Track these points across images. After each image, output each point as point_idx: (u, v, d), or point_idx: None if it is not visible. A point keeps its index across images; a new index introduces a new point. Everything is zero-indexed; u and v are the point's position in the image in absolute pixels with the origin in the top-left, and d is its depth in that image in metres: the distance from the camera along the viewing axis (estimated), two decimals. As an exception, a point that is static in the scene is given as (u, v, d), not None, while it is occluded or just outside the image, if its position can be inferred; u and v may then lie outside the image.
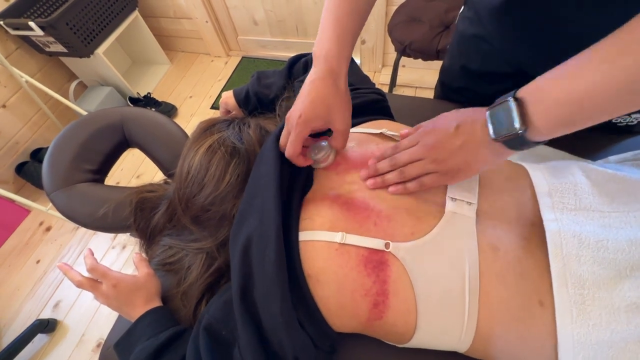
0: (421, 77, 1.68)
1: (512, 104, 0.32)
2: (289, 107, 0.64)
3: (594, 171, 0.39)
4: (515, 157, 0.43)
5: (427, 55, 1.10)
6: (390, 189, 0.41)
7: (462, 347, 0.37)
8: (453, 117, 0.38)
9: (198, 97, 1.87)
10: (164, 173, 0.72)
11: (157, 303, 0.53)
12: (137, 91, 1.83)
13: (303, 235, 0.40)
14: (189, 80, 1.97)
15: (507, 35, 0.53)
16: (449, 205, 0.39)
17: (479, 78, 0.64)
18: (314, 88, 0.43)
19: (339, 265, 0.37)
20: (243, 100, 0.68)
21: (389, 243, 0.37)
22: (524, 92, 0.32)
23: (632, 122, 0.57)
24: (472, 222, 0.37)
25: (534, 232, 0.37)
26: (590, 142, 0.60)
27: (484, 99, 0.41)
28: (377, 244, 0.37)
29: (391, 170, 0.41)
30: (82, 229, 1.46)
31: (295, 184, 0.45)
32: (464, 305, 0.34)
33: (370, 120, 0.54)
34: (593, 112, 0.29)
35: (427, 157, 0.38)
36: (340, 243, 0.38)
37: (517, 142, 0.33)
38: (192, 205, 0.50)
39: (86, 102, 1.70)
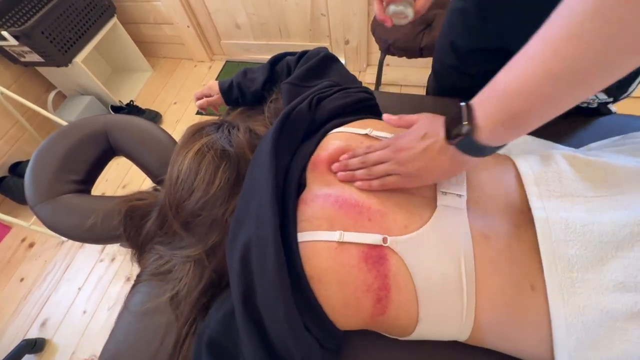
0: (405, 75, 1.70)
1: (463, 107, 0.33)
2: (277, 109, 0.65)
3: (576, 159, 0.41)
4: (501, 150, 0.45)
5: (410, 53, 1.11)
6: (357, 183, 0.43)
7: (462, 335, 0.38)
8: (424, 124, 0.39)
9: (183, 102, 1.85)
10: (153, 180, 0.71)
11: None
12: (119, 99, 1.79)
13: (302, 237, 0.40)
14: (173, 86, 1.95)
15: (486, 8, 0.55)
16: (441, 199, 0.40)
17: (467, 56, 0.65)
18: None
19: (341, 264, 0.37)
20: (226, 89, 0.72)
21: (386, 238, 0.37)
22: (476, 97, 0.33)
23: (591, 104, 0.60)
24: (464, 213, 0.38)
25: (523, 219, 0.38)
26: (567, 126, 0.63)
27: (473, 81, 0.42)
28: (374, 239, 0.37)
29: (361, 168, 0.43)
30: (68, 243, 1.41)
31: (289, 186, 0.45)
32: (462, 293, 0.35)
33: (358, 119, 0.54)
34: (533, 101, 0.29)
35: (393, 159, 0.40)
36: (339, 242, 0.38)
37: (468, 144, 0.34)
38: (182, 211, 0.49)
39: (66, 112, 1.66)
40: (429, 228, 0.37)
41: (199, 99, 0.78)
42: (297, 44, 1.80)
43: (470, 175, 0.42)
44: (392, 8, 0.53)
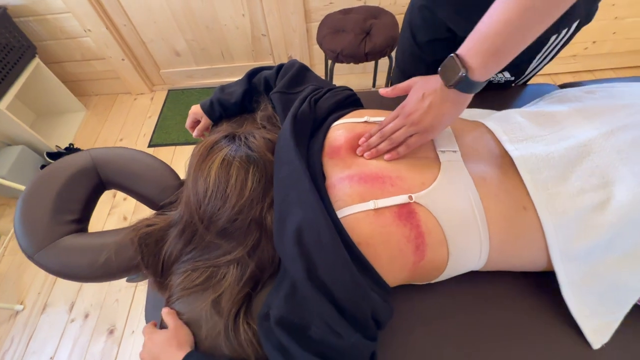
0: (347, 81, 1.86)
1: (454, 58, 0.43)
2: (268, 116, 0.71)
3: (525, 112, 0.55)
4: (469, 118, 0.57)
5: (357, 58, 1.25)
6: (386, 156, 0.51)
7: (481, 261, 0.47)
8: (419, 87, 0.49)
9: (130, 138, 1.76)
10: (153, 207, 0.70)
11: (188, 349, 0.50)
12: (55, 144, 1.63)
13: (341, 213, 0.46)
14: (113, 123, 1.84)
15: (433, 3, 0.65)
16: (442, 157, 0.50)
17: (426, 46, 0.76)
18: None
19: (381, 225, 0.44)
20: (208, 108, 0.75)
21: (411, 196, 0.45)
22: (460, 48, 0.44)
23: (500, 80, 0.77)
24: (462, 164, 0.49)
25: (504, 161, 0.50)
26: (502, 98, 0.80)
27: (429, 69, 0.52)
28: (402, 199, 0.45)
29: (381, 142, 0.51)
30: (24, 312, 1.24)
31: (316, 176, 0.51)
32: (476, 223, 0.45)
33: (351, 111, 0.63)
34: (507, 38, 0.39)
35: (406, 123, 0.49)
36: (374, 209, 0.45)
37: (465, 84, 0.43)
38: (217, 220, 0.51)
39: (-7, 167, 1.46)
40: (440, 180, 0.47)
41: (192, 129, 0.80)
42: (242, 65, 1.85)
43: (458, 137, 0.53)
44: None
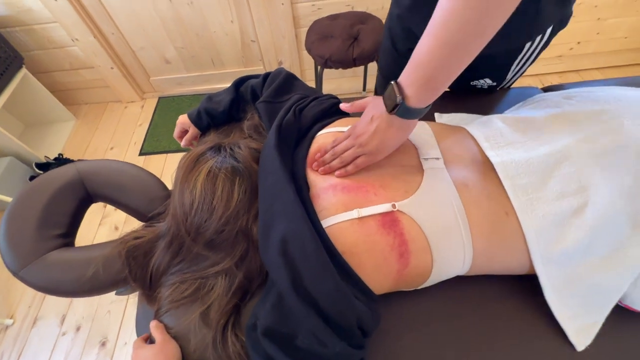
0: (339, 85, 1.87)
1: (393, 85, 0.45)
2: (254, 125, 0.71)
3: (507, 118, 0.56)
4: (451, 122, 0.58)
5: (345, 64, 1.26)
6: (336, 173, 0.52)
7: (465, 267, 0.48)
8: (370, 108, 0.50)
9: (120, 146, 1.75)
10: (141, 219, 0.70)
11: None
12: (44, 155, 1.62)
13: (326, 223, 0.46)
14: (104, 132, 1.83)
15: (409, 11, 0.67)
16: (425, 164, 0.50)
17: (407, 54, 0.78)
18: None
19: (365, 234, 0.45)
20: (195, 118, 0.75)
21: (394, 204, 0.46)
22: (400, 76, 0.45)
23: (483, 86, 0.80)
24: (445, 171, 0.50)
25: (486, 166, 0.51)
26: (488, 102, 0.82)
27: None
28: (386, 207, 0.46)
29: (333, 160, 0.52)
30: (14, 326, 1.22)
31: (300, 186, 0.51)
32: (459, 229, 0.46)
33: (336, 119, 0.64)
34: (434, 68, 0.41)
35: (355, 144, 0.50)
36: (358, 218, 0.45)
37: (403, 111, 0.44)
38: (205, 231, 0.51)
39: (-20, 180, 1.44)
40: (423, 188, 0.48)
41: (180, 139, 0.80)
42: (232, 71, 1.85)
43: (440, 143, 0.54)
44: None
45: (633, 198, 0.45)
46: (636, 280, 0.46)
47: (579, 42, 1.73)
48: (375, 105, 0.49)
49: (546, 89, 0.87)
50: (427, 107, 0.45)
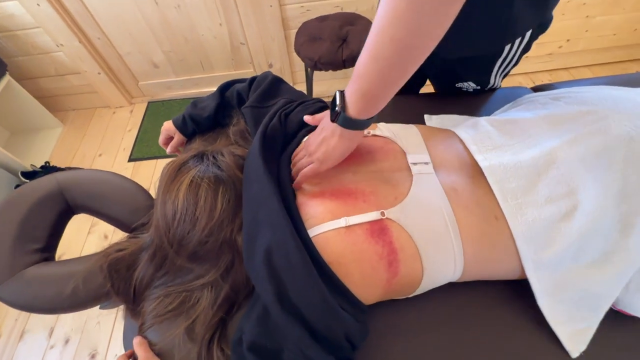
0: (330, 86, 1.86)
1: (338, 94, 0.44)
2: (240, 131, 0.69)
3: (494, 121, 0.55)
4: (440, 125, 0.57)
5: (335, 66, 1.25)
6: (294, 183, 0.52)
7: (457, 273, 0.47)
8: (323, 121, 0.49)
9: (109, 153, 1.71)
10: (125, 230, 0.68)
11: None
12: (30, 163, 1.58)
13: (312, 232, 0.45)
14: (92, 138, 1.79)
15: None
16: (413, 169, 0.49)
17: None
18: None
19: (352, 244, 0.43)
20: (181, 124, 0.74)
21: (383, 212, 0.45)
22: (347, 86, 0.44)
23: (469, 89, 0.79)
24: (434, 176, 0.48)
25: (474, 170, 0.50)
26: (477, 102, 0.81)
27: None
28: (374, 215, 0.44)
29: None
30: (0, 340, 1.19)
31: (286, 194, 0.50)
32: (449, 236, 0.44)
33: (324, 124, 0.62)
34: (369, 82, 0.39)
35: (306, 154, 0.50)
36: (346, 226, 0.44)
37: (344, 120, 0.43)
38: (188, 243, 0.50)
39: (-38, 190, 1.40)
40: (412, 194, 0.46)
41: (165, 146, 0.78)
42: (222, 74, 1.83)
43: (429, 147, 0.52)
44: None
45: (621, 201, 0.44)
46: (628, 284, 0.46)
47: (568, 40, 1.73)
48: (325, 117, 0.48)
49: (536, 89, 0.87)
50: (369, 119, 0.44)
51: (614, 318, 0.49)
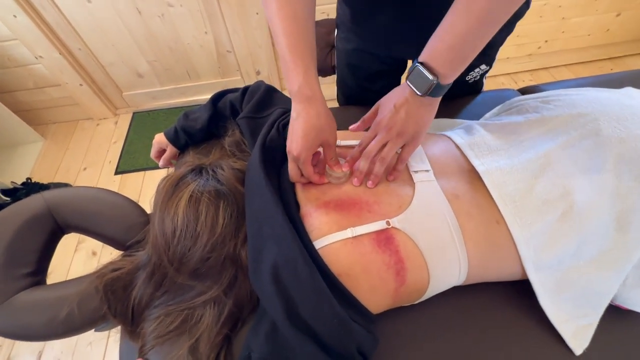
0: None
1: (420, 67, 0.44)
2: (236, 142, 0.68)
3: (488, 125, 0.56)
4: (436, 131, 0.58)
5: (324, 72, 1.25)
6: (389, 177, 0.50)
7: (461, 277, 0.47)
8: (389, 100, 0.49)
9: (94, 166, 1.66)
10: (119, 248, 0.65)
11: None
12: (10, 180, 1.52)
13: (318, 244, 0.45)
14: (75, 152, 1.74)
15: (370, 35, 0.69)
16: (415, 177, 0.50)
17: (367, 80, 0.81)
18: (302, 122, 0.47)
19: (360, 254, 0.43)
20: (173, 137, 0.72)
21: (388, 221, 0.45)
22: (423, 57, 0.44)
23: (476, 77, 0.80)
24: (435, 183, 0.49)
25: (473, 176, 0.51)
26: (465, 106, 0.83)
27: (378, 95, 0.53)
28: (380, 225, 0.44)
29: (371, 165, 0.49)
30: (-16, 369, 1.13)
31: (290, 206, 0.49)
32: (454, 241, 0.45)
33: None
34: (470, 43, 0.42)
35: (391, 137, 0.48)
36: (352, 237, 0.44)
37: (436, 90, 0.44)
38: (189, 260, 0.48)
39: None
40: (416, 202, 0.47)
41: (157, 159, 0.76)
42: (209, 83, 1.80)
43: (429, 154, 0.53)
44: (333, 174, 0.51)
45: (615, 200, 0.45)
46: (625, 279, 0.47)
47: (546, 41, 1.80)
48: (391, 97, 0.48)
49: (522, 91, 0.89)
50: (451, 83, 0.45)
51: (612, 313, 0.51)
